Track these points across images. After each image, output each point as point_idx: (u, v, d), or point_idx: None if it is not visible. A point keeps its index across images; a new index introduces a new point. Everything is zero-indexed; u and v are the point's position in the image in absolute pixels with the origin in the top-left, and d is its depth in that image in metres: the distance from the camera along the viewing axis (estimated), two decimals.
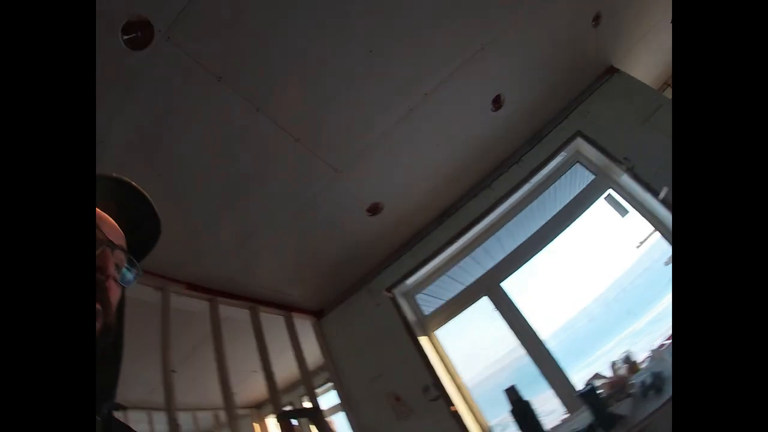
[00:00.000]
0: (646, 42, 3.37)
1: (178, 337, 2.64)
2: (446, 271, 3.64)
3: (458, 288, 3.55)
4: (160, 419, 2.25)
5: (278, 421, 2.83)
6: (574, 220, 3.27)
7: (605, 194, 3.21)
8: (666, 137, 2.75)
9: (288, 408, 4.94)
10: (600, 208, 3.27)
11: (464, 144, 2.99)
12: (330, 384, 3.79)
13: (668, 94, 4.09)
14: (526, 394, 2.56)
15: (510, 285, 3.32)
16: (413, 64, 2.22)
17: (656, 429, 2.08)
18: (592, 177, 3.27)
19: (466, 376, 3.41)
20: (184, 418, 4.48)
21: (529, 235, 3.35)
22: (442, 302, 3.60)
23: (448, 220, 3.49)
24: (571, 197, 3.31)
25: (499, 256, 3.42)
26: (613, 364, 2.65)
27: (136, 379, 2.89)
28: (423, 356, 3.23)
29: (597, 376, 2.60)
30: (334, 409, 4.28)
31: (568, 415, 2.79)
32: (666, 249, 2.96)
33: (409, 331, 3.36)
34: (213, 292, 2.84)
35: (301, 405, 4.61)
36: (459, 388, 3.27)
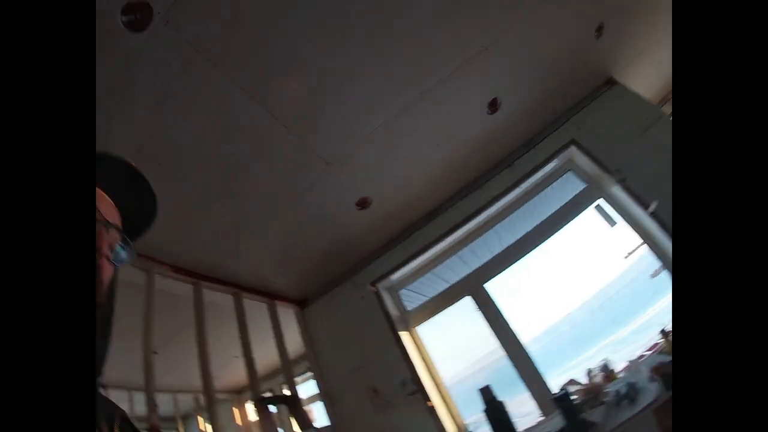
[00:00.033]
0: (647, 56, 3.38)
1: (162, 319, 2.64)
2: (432, 269, 3.66)
3: (442, 286, 3.58)
4: (141, 400, 2.26)
5: (255, 406, 2.85)
6: (562, 227, 3.30)
7: (595, 204, 3.24)
8: (660, 152, 2.77)
9: (268, 395, 4.98)
10: (589, 217, 3.31)
11: (457, 144, 3.00)
12: (310, 373, 3.82)
13: (667, 109, 4.12)
14: (503, 396, 2.58)
15: (494, 286, 3.36)
16: (411, 63, 2.22)
17: None
18: (584, 186, 3.30)
19: (446, 374, 3.45)
20: (164, 400, 4.50)
21: (516, 238, 3.38)
22: (425, 299, 3.64)
23: (436, 218, 3.50)
24: (561, 204, 3.34)
25: (486, 257, 3.45)
26: (589, 371, 2.69)
27: (117, 358, 2.89)
28: (403, 351, 3.26)
29: (572, 381, 2.63)
30: (312, 399, 4.31)
31: (543, 418, 2.84)
32: (653, 262, 3.00)
33: (391, 325, 3.38)
34: (198, 276, 2.84)
35: (281, 392, 4.64)
36: (437, 384, 3.31)
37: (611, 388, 2.47)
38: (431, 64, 2.31)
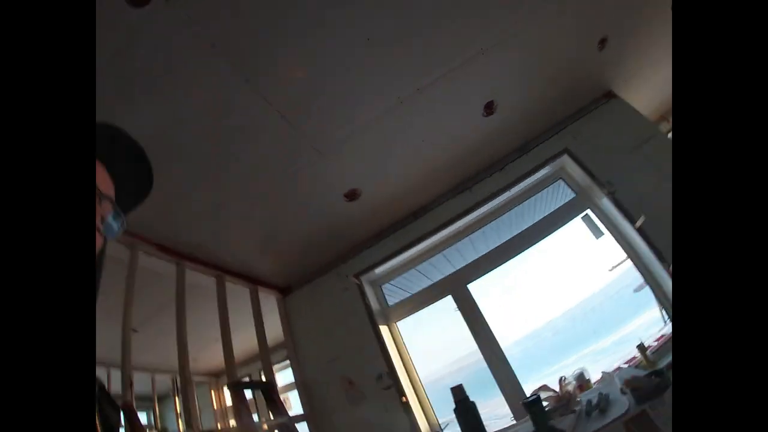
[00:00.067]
0: (648, 73, 3.41)
1: (143, 297, 2.63)
2: (416, 266, 3.68)
3: (425, 283, 3.61)
4: (118, 377, 2.24)
5: (230, 390, 2.85)
6: (549, 234, 3.33)
7: (583, 214, 3.27)
8: (652, 169, 2.80)
9: (245, 380, 4.98)
10: (576, 226, 3.34)
11: (450, 144, 3.00)
12: (288, 361, 3.82)
13: (663, 127, 4.15)
14: (479, 397, 2.60)
15: (477, 288, 3.39)
16: (410, 59, 2.21)
17: None
18: (573, 195, 3.32)
19: (423, 371, 3.47)
20: (142, 379, 4.48)
21: (502, 241, 3.40)
22: (407, 295, 3.66)
23: (424, 215, 3.51)
24: (549, 212, 3.36)
25: (471, 257, 3.47)
26: (562, 379, 2.72)
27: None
28: (381, 345, 3.28)
29: (544, 387, 2.66)
30: (289, 387, 4.32)
31: (514, 422, 2.87)
32: (637, 276, 3.04)
33: (371, 318, 3.39)
34: (182, 255, 2.82)
35: (259, 379, 4.64)
36: (413, 381, 3.34)
37: (583, 398, 2.49)
38: (430, 62, 2.30)
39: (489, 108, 2.80)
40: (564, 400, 2.49)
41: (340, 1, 1.80)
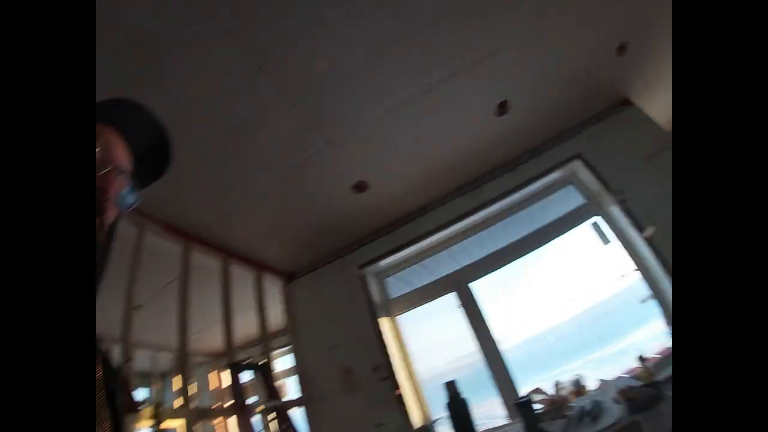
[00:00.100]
0: (667, 83, 3.34)
1: (149, 276, 2.67)
2: (421, 260, 3.69)
3: (429, 279, 3.61)
4: (118, 353, 2.28)
5: (228, 370, 2.90)
6: (556, 237, 3.30)
7: (592, 220, 3.23)
8: (665, 180, 2.75)
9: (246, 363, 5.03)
10: (585, 233, 3.30)
11: (462, 142, 2.99)
12: (288, 347, 3.87)
13: None
14: (476, 396, 2.62)
15: (481, 287, 3.38)
16: (424, 54, 2.21)
17: None
18: (583, 201, 3.29)
19: (421, 366, 3.48)
20: (143, 356, 4.55)
21: (509, 242, 3.39)
22: (410, 289, 3.67)
23: (432, 211, 3.52)
24: (558, 216, 3.33)
25: (477, 256, 3.46)
26: (558, 383, 2.72)
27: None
28: (380, 337, 3.30)
29: (538, 390, 2.66)
30: (287, 372, 4.36)
31: (506, 422, 2.88)
32: (643, 287, 3.00)
33: (373, 310, 3.42)
34: (189, 236, 2.86)
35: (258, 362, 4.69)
36: (410, 374, 3.35)
37: (576, 404, 2.49)
38: (444, 58, 2.29)
39: (502, 107, 2.78)
40: (557, 404, 2.49)
41: None
